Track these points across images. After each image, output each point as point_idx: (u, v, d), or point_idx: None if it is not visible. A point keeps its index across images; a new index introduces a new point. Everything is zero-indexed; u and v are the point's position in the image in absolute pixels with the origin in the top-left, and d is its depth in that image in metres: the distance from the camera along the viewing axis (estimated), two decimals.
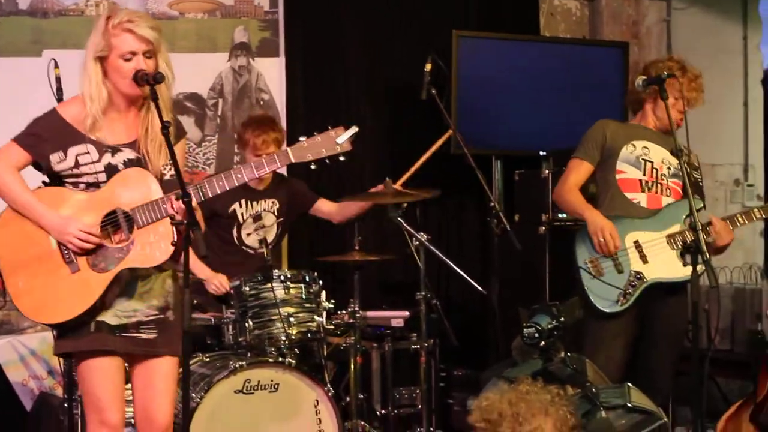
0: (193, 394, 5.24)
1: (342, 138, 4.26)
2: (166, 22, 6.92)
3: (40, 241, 4.21)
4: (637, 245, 5.44)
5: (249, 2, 7.22)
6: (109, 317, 4.21)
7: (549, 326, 4.31)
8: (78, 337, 4.21)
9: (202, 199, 4.22)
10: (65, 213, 4.19)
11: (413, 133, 7.50)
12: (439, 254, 6.10)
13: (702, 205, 5.51)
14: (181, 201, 4.03)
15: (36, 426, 6.16)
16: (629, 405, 4.07)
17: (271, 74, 7.25)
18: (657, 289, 5.42)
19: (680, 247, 5.38)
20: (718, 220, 5.46)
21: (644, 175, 5.54)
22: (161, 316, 4.32)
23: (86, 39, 4.28)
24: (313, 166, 4.34)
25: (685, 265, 5.26)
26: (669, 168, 5.58)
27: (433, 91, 6.62)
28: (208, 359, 5.63)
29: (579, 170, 5.66)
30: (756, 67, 8.94)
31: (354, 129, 4.30)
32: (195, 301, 5.72)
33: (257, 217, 6.23)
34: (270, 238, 6.30)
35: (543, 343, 4.26)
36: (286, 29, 7.26)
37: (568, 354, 4.30)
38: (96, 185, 4.21)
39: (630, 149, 5.57)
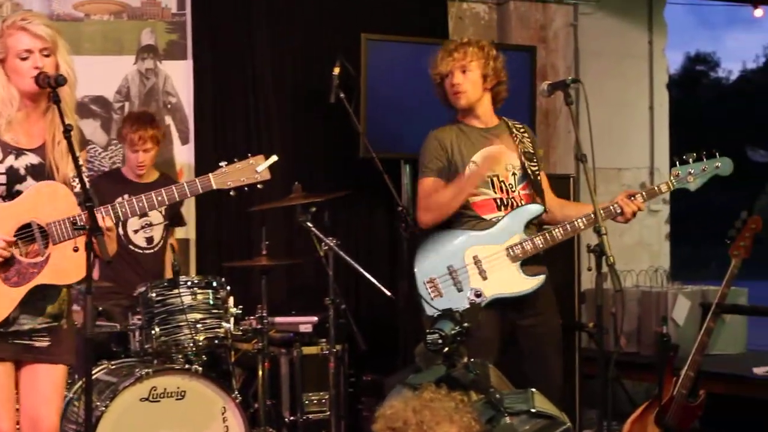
0: (98, 402, 5.18)
1: (262, 167, 4.34)
2: (72, 23, 6.83)
3: None
4: (476, 261, 5.26)
5: (156, 4, 7.14)
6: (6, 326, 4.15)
7: (452, 332, 4.29)
8: None
9: (114, 221, 4.20)
10: None
11: (322, 137, 7.49)
12: (348, 259, 6.09)
13: (542, 209, 5.41)
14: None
15: None
16: (533, 410, 4.08)
17: (179, 77, 7.17)
18: (512, 302, 5.30)
19: (519, 259, 5.26)
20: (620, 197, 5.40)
21: (496, 192, 5.37)
22: (54, 323, 4.28)
23: None
24: (232, 193, 4.38)
25: (529, 277, 5.25)
26: (514, 174, 5.41)
27: (342, 95, 6.62)
28: (113, 366, 5.56)
29: (431, 191, 5.38)
30: (661, 71, 9.08)
31: (273, 158, 4.38)
32: (100, 308, 5.67)
33: (144, 214, 6.11)
34: (156, 238, 6.25)
35: (446, 349, 4.25)
36: (193, 32, 7.19)
37: (472, 360, 4.30)
38: None
39: (472, 168, 5.34)
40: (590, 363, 5.57)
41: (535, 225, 5.39)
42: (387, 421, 3.37)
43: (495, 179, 5.35)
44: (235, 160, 4.35)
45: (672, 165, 5.39)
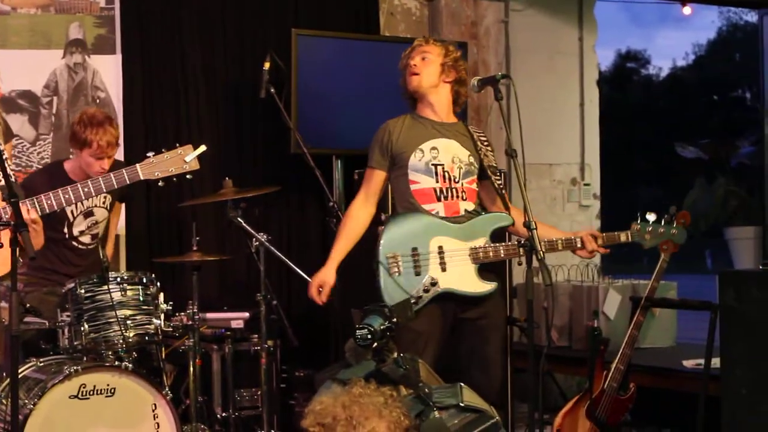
0: (26, 400, 5.10)
1: (190, 156, 4.33)
2: None
3: None
4: (440, 251, 5.31)
5: None
6: None
7: (381, 327, 4.30)
8: None
9: (40, 213, 4.15)
10: None
11: (253, 132, 7.47)
12: (279, 254, 6.09)
13: (512, 221, 5.46)
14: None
15: None
16: (461, 404, 4.09)
17: (108, 72, 7.11)
18: (461, 298, 5.35)
19: (480, 262, 5.33)
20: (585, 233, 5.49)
21: (437, 182, 5.41)
22: None
23: None
24: (160, 183, 4.35)
25: (483, 281, 5.31)
26: (460, 167, 5.46)
27: (272, 90, 6.60)
28: (42, 364, 5.48)
29: (371, 181, 5.54)
30: (591, 68, 9.14)
31: (202, 148, 4.38)
32: (27, 305, 5.59)
33: (89, 213, 6.02)
34: (101, 232, 6.19)
35: (376, 344, 4.25)
36: (122, 26, 7.13)
37: (401, 355, 4.30)
38: None
39: (418, 156, 5.43)
40: (522, 357, 5.58)
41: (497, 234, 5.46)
42: (316, 416, 3.38)
43: (440, 168, 5.40)
44: (163, 150, 4.33)
45: (633, 219, 5.53)
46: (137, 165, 4.30)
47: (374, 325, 4.29)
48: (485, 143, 5.57)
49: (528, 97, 5.74)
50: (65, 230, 5.92)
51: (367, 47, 7.66)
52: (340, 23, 7.79)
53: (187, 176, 4.39)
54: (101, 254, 5.70)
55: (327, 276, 5.45)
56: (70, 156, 6.23)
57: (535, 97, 8.34)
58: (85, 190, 4.23)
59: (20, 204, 4.05)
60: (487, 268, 5.37)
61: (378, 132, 5.55)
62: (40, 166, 6.56)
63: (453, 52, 5.57)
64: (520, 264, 6.34)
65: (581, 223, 8.79)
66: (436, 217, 5.38)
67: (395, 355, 4.27)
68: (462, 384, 4.31)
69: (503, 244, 5.39)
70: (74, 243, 6.03)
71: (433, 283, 5.27)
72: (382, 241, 5.35)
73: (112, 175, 4.28)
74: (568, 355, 7.25)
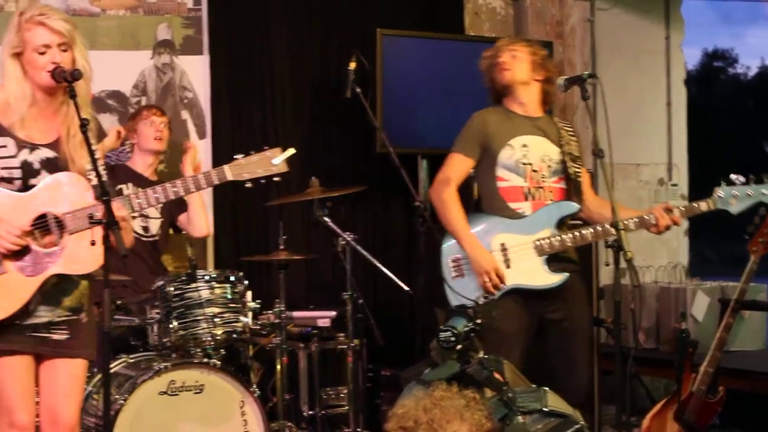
0: (117, 396, 5.18)
1: (278, 159, 4.34)
2: (88, 18, 6.83)
3: None
4: (503, 248, 5.31)
5: (172, 0, 7.15)
6: (23, 318, 4.15)
7: (465, 329, 4.28)
8: None
9: (133, 211, 4.21)
10: None
11: (339, 132, 7.49)
12: (365, 253, 6.10)
13: (578, 207, 5.44)
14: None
15: None
16: (545, 409, 4.07)
17: (195, 72, 7.17)
18: (540, 295, 5.31)
19: (546, 254, 5.30)
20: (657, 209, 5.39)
21: (525, 181, 5.40)
22: (73, 317, 4.28)
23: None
24: (248, 185, 4.38)
25: (552, 273, 5.27)
26: (550, 166, 5.44)
27: (358, 90, 6.60)
28: (132, 360, 5.56)
29: (461, 167, 5.49)
30: (678, 66, 9.04)
31: (291, 151, 4.38)
32: (118, 302, 5.67)
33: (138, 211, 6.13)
34: (153, 229, 6.24)
35: (459, 346, 4.23)
36: (210, 27, 7.19)
37: (486, 356, 4.28)
38: (9, 181, 4.15)
39: (509, 152, 5.41)
40: (609, 359, 5.54)
41: (569, 222, 5.41)
42: (399, 420, 3.39)
43: (528, 167, 5.38)
44: (251, 152, 4.35)
45: (717, 184, 5.33)
46: (225, 166, 4.32)
47: (457, 327, 4.28)
48: (570, 132, 5.55)
49: (614, 96, 5.68)
50: None
51: (451, 47, 7.65)
52: (424, 23, 7.78)
53: (275, 179, 4.40)
54: (189, 252, 5.77)
55: (488, 262, 5.31)
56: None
57: (621, 97, 8.26)
58: (174, 189, 4.27)
59: (114, 202, 4.11)
60: (559, 258, 5.34)
61: (471, 120, 5.54)
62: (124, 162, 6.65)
63: (540, 51, 5.58)
64: (607, 265, 6.31)
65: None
66: (498, 215, 5.38)
67: (480, 356, 4.25)
68: (546, 388, 4.29)
69: (569, 232, 5.33)
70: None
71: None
72: (444, 246, 5.39)
73: (200, 175, 4.31)
74: (655, 357, 7.17)
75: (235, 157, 4.36)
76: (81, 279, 4.28)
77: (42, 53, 4.13)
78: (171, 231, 6.46)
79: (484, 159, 5.45)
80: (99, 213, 4.05)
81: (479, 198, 5.59)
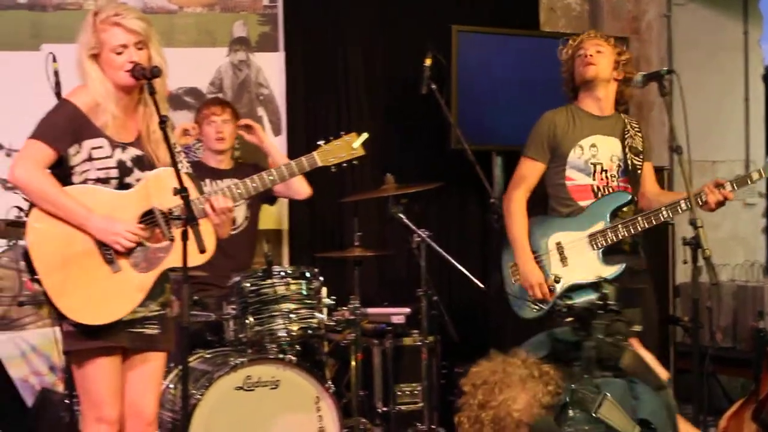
0: (194, 391, 5.23)
1: (357, 143, 4.50)
2: (165, 16, 6.89)
3: (79, 240, 4.17)
4: (559, 247, 5.38)
5: None
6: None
7: (584, 304, 4.23)
8: (95, 334, 4.19)
9: (238, 200, 4.28)
10: (101, 212, 4.17)
11: (413, 129, 7.48)
12: (440, 250, 6.09)
13: (630, 196, 5.44)
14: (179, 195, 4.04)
15: (37, 422, 6.14)
16: (593, 414, 4.01)
17: (271, 69, 7.21)
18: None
19: (601, 246, 5.31)
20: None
21: (594, 180, 5.45)
22: (163, 312, 4.36)
23: None
24: (333, 169, 4.47)
25: (608, 265, 5.26)
26: (619, 165, 5.48)
27: (433, 86, 6.60)
28: (208, 356, 5.61)
29: (532, 172, 5.57)
30: (756, 62, 8.92)
31: (365, 135, 4.50)
32: (195, 297, 5.72)
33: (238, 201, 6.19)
34: (239, 219, 6.27)
35: (570, 318, 4.19)
36: (285, 24, 7.23)
37: (606, 339, 4.19)
38: (106, 181, 4.20)
39: (578, 153, 5.46)
40: (685, 357, 5.50)
41: (625, 213, 5.38)
42: (471, 377, 3.46)
43: (598, 167, 5.38)
44: (331, 138, 4.44)
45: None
46: (314, 152, 4.43)
47: (574, 299, 4.24)
48: (636, 128, 5.53)
49: (691, 92, 5.60)
50: None
51: (527, 43, 7.63)
52: (500, 19, 7.75)
53: (354, 162, 4.50)
54: (265, 248, 5.80)
55: (534, 275, 5.41)
56: (235, 152, 6.55)
57: (698, 93, 8.16)
58: (270, 177, 4.36)
59: (216, 194, 4.23)
60: (616, 251, 5.34)
61: (539, 123, 5.57)
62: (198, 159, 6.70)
63: (625, 51, 5.61)
64: (685, 262, 6.24)
65: (745, 221, 8.60)
66: (557, 215, 5.43)
67: (600, 337, 4.18)
68: (607, 394, 4.20)
69: (622, 222, 5.30)
70: None
71: (557, 281, 5.35)
72: (504, 251, 5.53)
73: (293, 162, 4.41)
74: (732, 356, 7.10)
75: (318, 143, 4.45)
76: (168, 275, 4.34)
77: (119, 53, 4.18)
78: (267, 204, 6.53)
79: (553, 160, 5.48)
80: (205, 205, 4.14)
81: (548, 197, 5.59)
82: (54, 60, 5.46)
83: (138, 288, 4.20)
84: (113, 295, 4.17)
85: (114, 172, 4.20)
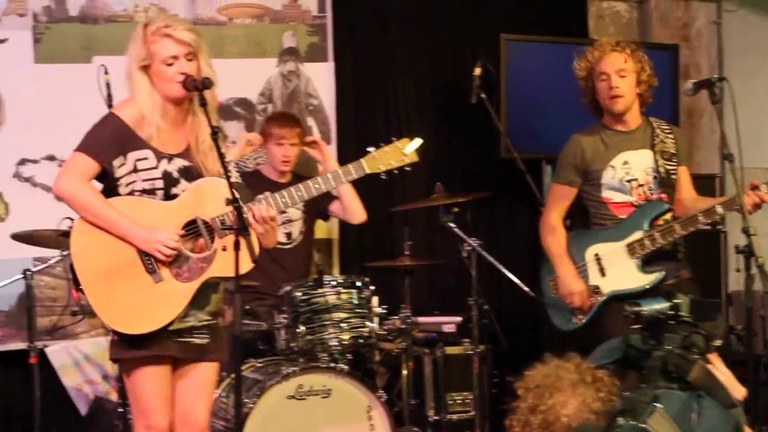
0: (246, 400, 5.24)
1: (409, 149, 4.35)
2: (215, 27, 6.93)
3: (121, 251, 4.20)
4: (597, 258, 5.35)
5: (297, 7, 7.22)
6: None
7: (652, 312, 4.20)
8: (141, 343, 4.22)
9: (283, 209, 4.27)
10: (144, 223, 4.20)
11: (463, 138, 7.48)
12: (491, 259, 6.09)
13: (667, 205, 5.38)
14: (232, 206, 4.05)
15: (90, 430, 6.19)
16: (641, 426, 3.97)
17: (320, 79, 7.23)
18: (644, 294, 5.16)
19: (639, 255, 5.27)
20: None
21: (632, 196, 5.39)
22: (213, 321, 4.36)
23: None
24: (383, 177, 4.41)
25: (647, 273, 5.23)
26: (654, 177, 5.40)
27: (483, 95, 6.60)
28: (260, 365, 5.63)
29: (562, 197, 5.54)
30: None
31: (418, 140, 4.38)
32: (247, 307, 5.74)
33: (283, 210, 6.21)
34: (294, 233, 6.29)
35: (638, 326, 4.17)
36: (334, 34, 7.25)
37: (676, 351, 4.16)
38: (151, 192, 4.23)
39: (611, 173, 5.40)
40: (739, 366, 5.43)
41: (663, 222, 5.35)
42: (525, 380, 3.44)
43: (633, 183, 5.34)
44: (382, 144, 4.37)
45: None
46: (362, 159, 4.36)
47: (643, 307, 4.21)
48: (666, 131, 5.48)
49: (742, 99, 5.57)
50: None
51: (576, 51, 7.59)
52: (548, 27, 7.74)
53: (407, 168, 4.42)
54: (316, 258, 5.82)
55: (576, 286, 5.39)
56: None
57: (749, 100, 8.08)
58: (316, 186, 4.32)
59: (260, 203, 4.22)
60: (656, 258, 5.29)
61: (568, 147, 5.52)
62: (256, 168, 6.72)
63: (646, 62, 5.45)
64: (737, 270, 6.20)
65: None
66: (591, 228, 5.42)
67: (670, 348, 4.15)
68: (659, 406, 4.16)
69: (658, 229, 5.27)
70: None
71: (596, 291, 5.32)
72: (544, 264, 5.51)
73: (340, 171, 4.37)
74: None
75: (368, 150, 4.39)
76: (219, 284, 4.37)
77: (170, 65, 4.20)
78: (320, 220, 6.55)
79: (587, 181, 5.43)
80: (260, 212, 4.15)
81: (589, 214, 5.55)
82: (105, 72, 5.51)
83: (179, 298, 4.21)
84: (154, 305, 4.19)
85: (159, 183, 4.23)
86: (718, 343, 4.05)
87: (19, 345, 6.23)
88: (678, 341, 3.93)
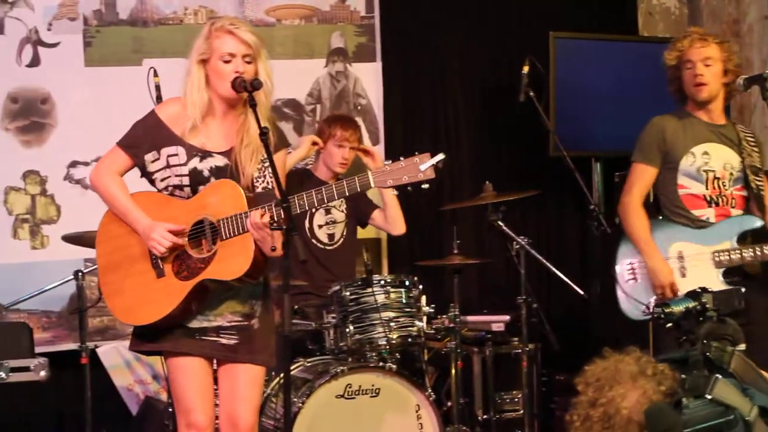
0: (295, 399, 5.26)
1: (425, 165, 4.15)
2: (264, 28, 6.95)
3: (134, 244, 4.30)
4: (680, 257, 5.27)
5: (345, 8, 7.23)
6: (190, 320, 4.27)
7: (682, 310, 4.18)
8: (154, 338, 4.29)
9: (298, 211, 4.26)
10: (158, 218, 4.25)
11: (511, 136, 7.46)
12: (540, 258, 6.07)
13: (762, 223, 5.31)
14: (281, 208, 4.05)
15: (141, 430, 6.24)
16: (708, 396, 3.95)
17: (368, 79, 7.25)
18: None
19: (724, 266, 5.20)
20: None
21: (707, 189, 5.33)
22: (244, 323, 4.35)
23: (185, 47, 4.41)
24: (394, 192, 4.37)
25: (728, 285, 5.12)
26: (731, 174, 5.36)
27: (531, 93, 6.58)
28: (309, 364, 5.64)
29: (644, 177, 5.45)
30: None
31: (440, 156, 4.21)
32: (295, 307, 5.76)
33: (327, 211, 6.25)
34: (337, 235, 6.31)
35: (669, 324, 4.15)
36: (382, 34, 7.26)
37: (709, 343, 4.14)
38: (180, 188, 4.28)
39: (690, 160, 5.34)
40: None
41: (752, 238, 5.29)
42: (585, 375, 3.43)
43: (710, 174, 5.30)
44: (400, 158, 4.26)
45: None
46: (369, 173, 4.25)
47: (672, 307, 4.20)
48: (752, 143, 5.43)
49: None
50: (306, 223, 6.20)
51: (625, 48, 7.57)
52: (597, 25, 7.71)
53: (423, 185, 4.27)
54: (365, 257, 5.82)
55: (666, 276, 5.29)
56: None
57: None
58: (318, 197, 4.22)
59: (256, 210, 4.13)
60: (737, 273, 5.24)
61: (650, 128, 5.46)
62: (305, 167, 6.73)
63: (732, 52, 5.44)
64: None
65: None
66: (679, 222, 5.30)
67: (704, 342, 4.13)
68: (718, 376, 4.14)
69: (750, 247, 5.21)
70: (313, 241, 6.20)
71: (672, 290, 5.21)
72: (619, 249, 5.38)
73: (345, 182, 4.28)
74: None
75: (384, 163, 4.33)
76: (256, 286, 4.37)
77: (227, 62, 4.23)
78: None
79: (664, 166, 5.38)
80: (254, 218, 4.10)
81: (659, 203, 5.51)
82: (155, 74, 5.54)
83: (173, 295, 4.21)
84: (151, 299, 4.25)
85: (186, 180, 4.26)
86: (742, 346, 4.03)
87: (71, 345, 6.31)
88: (708, 332, 3.93)
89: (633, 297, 5.27)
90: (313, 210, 6.13)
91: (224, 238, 4.19)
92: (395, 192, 4.34)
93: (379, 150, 7.15)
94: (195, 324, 4.27)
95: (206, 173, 4.28)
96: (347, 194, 4.24)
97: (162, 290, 4.24)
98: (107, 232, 4.38)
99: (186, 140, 4.28)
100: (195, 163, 4.28)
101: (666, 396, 3.49)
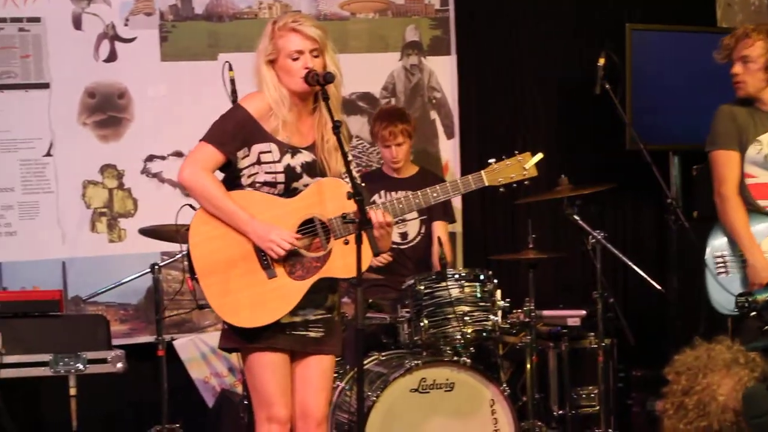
0: (370, 392, 5.27)
1: (529, 164, 4.37)
2: (338, 22, 6.96)
3: (238, 244, 4.26)
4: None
5: (420, 1, 7.22)
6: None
7: (766, 299, 4.15)
8: (251, 335, 4.27)
9: (399, 216, 4.28)
10: (263, 218, 4.25)
11: (587, 129, 7.41)
12: (616, 252, 6.03)
13: None
14: (354, 200, 4.05)
15: (217, 422, 6.29)
16: None
17: (443, 72, 7.23)
18: None
19: None
20: None
21: None
22: (328, 315, 4.39)
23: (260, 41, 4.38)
24: (501, 190, 4.42)
25: None
26: None
27: (608, 86, 6.53)
28: (383, 358, 5.64)
29: (731, 163, 5.31)
30: None
31: (540, 155, 4.37)
32: (369, 300, 5.76)
33: (400, 218, 6.23)
34: (411, 234, 6.29)
35: (753, 313, 4.12)
36: (457, 27, 7.24)
37: None
38: (273, 185, 4.26)
39: (757, 148, 5.26)
40: None
41: None
42: (674, 365, 3.40)
43: None
44: (504, 157, 4.37)
45: None
46: (482, 172, 4.36)
47: (756, 296, 4.17)
48: None
49: None
50: None
51: (703, 39, 7.44)
52: (674, 16, 7.62)
53: (525, 182, 4.42)
54: (440, 252, 5.80)
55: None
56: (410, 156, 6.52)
57: None
58: (434, 195, 4.32)
59: (377, 208, 4.22)
60: None
61: (719, 114, 5.40)
62: (379, 166, 6.72)
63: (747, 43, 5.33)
64: None
65: None
66: (763, 213, 5.24)
67: None
68: None
69: None
70: None
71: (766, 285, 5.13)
72: (710, 240, 5.29)
73: (459, 180, 4.39)
74: None
75: (489, 162, 4.39)
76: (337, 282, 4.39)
77: (295, 59, 4.24)
78: None
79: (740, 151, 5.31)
80: (378, 217, 4.16)
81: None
82: (230, 68, 5.57)
83: (291, 295, 4.23)
84: (266, 301, 4.23)
85: (281, 177, 4.26)
86: None
87: (148, 338, 6.36)
88: None
89: (725, 288, 5.20)
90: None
91: (338, 236, 4.22)
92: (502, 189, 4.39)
93: (454, 143, 7.15)
94: (285, 319, 4.28)
95: (299, 169, 4.30)
96: (463, 192, 4.35)
97: (276, 291, 4.25)
98: (204, 233, 4.29)
99: (276, 137, 4.29)
100: (288, 159, 4.29)
101: (751, 380, 3.45)
